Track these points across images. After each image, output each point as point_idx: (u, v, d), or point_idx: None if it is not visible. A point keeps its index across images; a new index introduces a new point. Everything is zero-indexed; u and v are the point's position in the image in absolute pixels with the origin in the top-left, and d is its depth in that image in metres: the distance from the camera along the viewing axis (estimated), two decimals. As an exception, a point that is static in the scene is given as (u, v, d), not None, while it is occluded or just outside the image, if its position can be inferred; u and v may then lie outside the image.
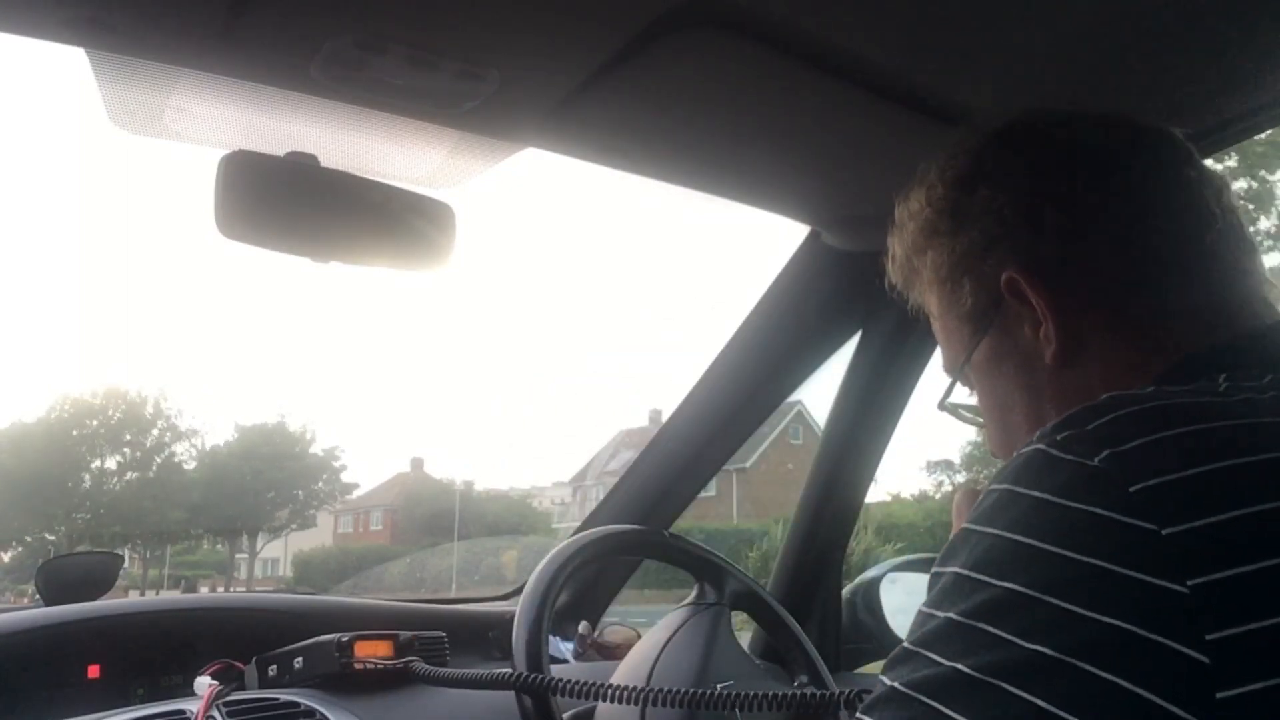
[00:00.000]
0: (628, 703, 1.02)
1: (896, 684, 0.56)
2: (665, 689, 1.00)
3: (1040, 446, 0.57)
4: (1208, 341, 0.69)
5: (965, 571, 0.56)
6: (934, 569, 0.59)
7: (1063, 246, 0.74)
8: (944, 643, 0.55)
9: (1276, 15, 0.98)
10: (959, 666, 0.53)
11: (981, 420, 0.85)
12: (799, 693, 0.97)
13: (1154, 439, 0.55)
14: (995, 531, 0.56)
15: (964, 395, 0.88)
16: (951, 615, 0.55)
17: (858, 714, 0.59)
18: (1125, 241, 0.73)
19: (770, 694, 0.97)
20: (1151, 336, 0.71)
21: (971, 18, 0.98)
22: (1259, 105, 1.15)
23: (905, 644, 0.58)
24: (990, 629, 0.53)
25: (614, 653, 1.71)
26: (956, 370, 0.84)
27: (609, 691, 1.02)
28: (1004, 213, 0.76)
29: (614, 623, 1.82)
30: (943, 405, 0.88)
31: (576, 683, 1.02)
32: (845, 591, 1.80)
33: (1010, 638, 0.52)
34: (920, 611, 0.59)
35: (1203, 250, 0.72)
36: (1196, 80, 1.08)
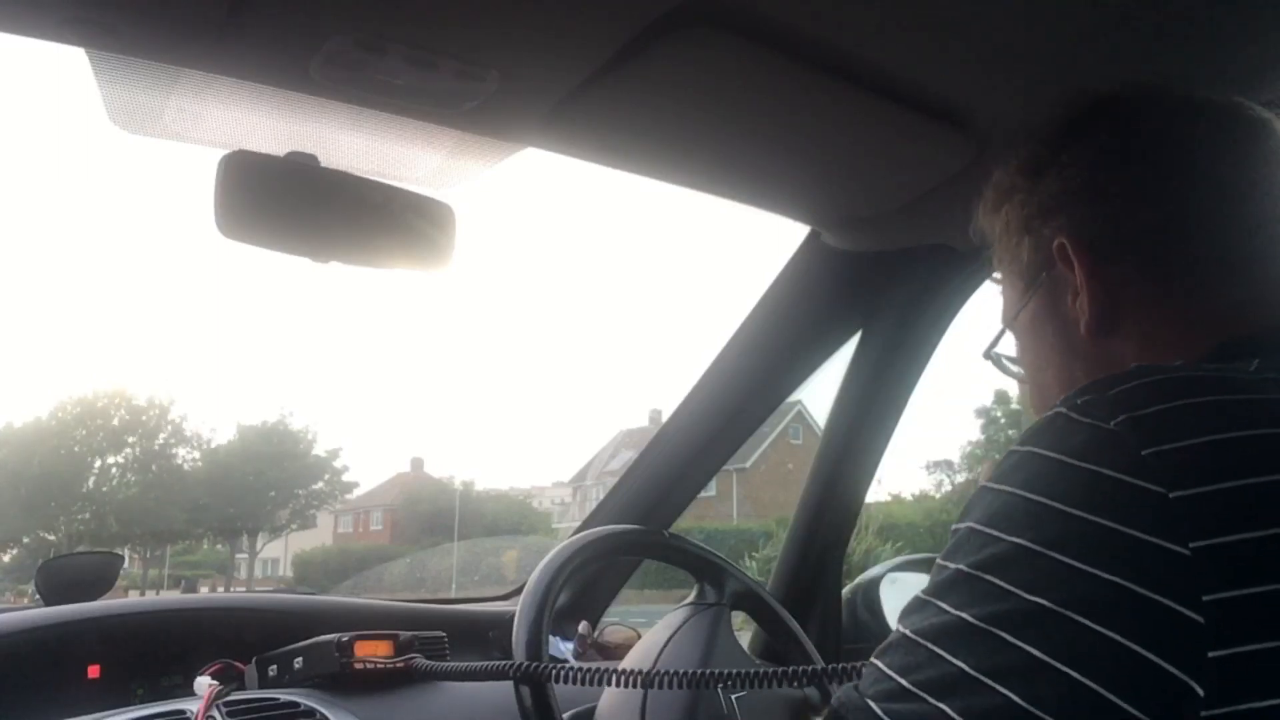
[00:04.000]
0: (629, 686, 1.01)
1: (907, 631, 0.59)
2: (665, 671, 1.00)
3: (1061, 410, 0.59)
4: (1245, 330, 0.69)
5: (978, 526, 0.58)
6: (954, 525, 0.61)
7: (1115, 222, 0.75)
8: (952, 592, 0.57)
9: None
10: (963, 615, 0.55)
11: (1021, 373, 0.88)
12: (791, 670, 0.98)
13: (1171, 406, 0.56)
14: (1009, 489, 0.57)
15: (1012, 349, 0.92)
16: (961, 566, 0.57)
17: (871, 659, 0.61)
18: (1179, 224, 0.74)
19: (763, 670, 0.98)
20: (1189, 319, 0.72)
21: (973, 18, 0.98)
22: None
23: (919, 594, 0.60)
24: (995, 580, 0.55)
25: (614, 653, 1.70)
26: (1008, 323, 0.87)
27: (610, 676, 1.01)
28: (1070, 185, 0.78)
29: (614, 623, 1.81)
30: (987, 354, 0.91)
31: (576, 668, 1.02)
32: (845, 591, 1.80)
33: (1013, 589, 0.53)
34: (936, 563, 0.61)
35: (1256, 245, 0.72)
36: (1199, 80, 1.08)
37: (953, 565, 0.58)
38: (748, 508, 24.72)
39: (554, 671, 1.02)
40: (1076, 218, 0.77)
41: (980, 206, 0.89)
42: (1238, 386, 0.58)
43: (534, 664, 1.04)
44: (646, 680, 0.99)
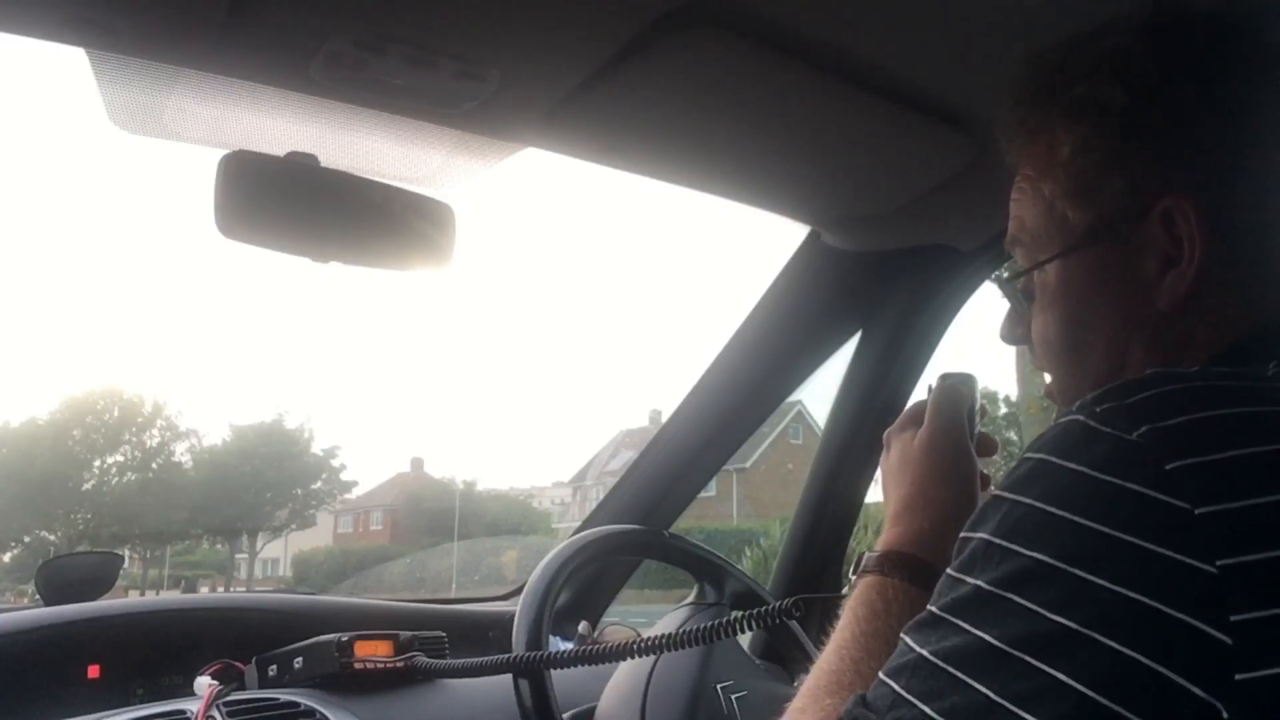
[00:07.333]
0: (614, 660, 1.06)
1: (924, 651, 0.56)
2: (642, 640, 1.02)
3: (1079, 417, 0.56)
4: (1260, 329, 0.66)
5: (995, 539, 0.55)
6: (962, 533, 0.59)
7: (1250, 199, 0.67)
8: (971, 611, 0.55)
9: None
10: (986, 637, 0.53)
11: (1022, 309, 0.78)
12: (742, 616, 0.99)
13: (1194, 418, 0.54)
14: (1027, 501, 0.55)
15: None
16: (980, 583, 0.55)
17: (880, 675, 0.59)
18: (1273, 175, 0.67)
19: (724, 621, 0.98)
20: (1252, 298, 0.67)
21: (972, 18, 0.98)
22: None
23: (932, 608, 0.58)
24: (1017, 599, 0.53)
25: (614, 653, 1.70)
26: (1033, 263, 0.74)
27: (601, 653, 1.03)
28: (1200, 136, 0.67)
29: (614, 623, 1.81)
30: (1002, 282, 0.80)
31: (571, 651, 1.04)
32: (845, 591, 1.80)
33: (1037, 609, 0.52)
34: (947, 575, 0.58)
35: None
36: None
37: (970, 580, 0.56)
38: (748, 508, 24.70)
39: (550, 657, 1.03)
40: (1204, 181, 0.66)
41: (1025, 89, 0.76)
42: (1258, 396, 0.57)
43: (531, 655, 1.04)
44: (627, 649, 1.01)
